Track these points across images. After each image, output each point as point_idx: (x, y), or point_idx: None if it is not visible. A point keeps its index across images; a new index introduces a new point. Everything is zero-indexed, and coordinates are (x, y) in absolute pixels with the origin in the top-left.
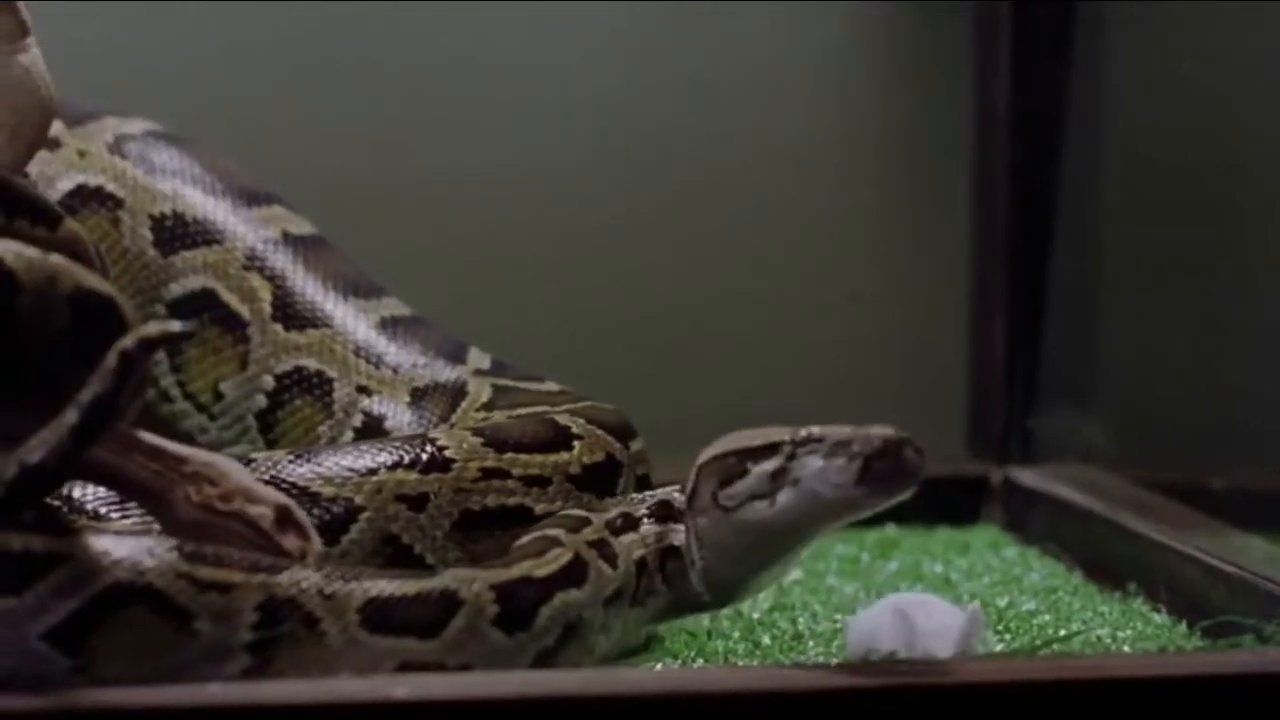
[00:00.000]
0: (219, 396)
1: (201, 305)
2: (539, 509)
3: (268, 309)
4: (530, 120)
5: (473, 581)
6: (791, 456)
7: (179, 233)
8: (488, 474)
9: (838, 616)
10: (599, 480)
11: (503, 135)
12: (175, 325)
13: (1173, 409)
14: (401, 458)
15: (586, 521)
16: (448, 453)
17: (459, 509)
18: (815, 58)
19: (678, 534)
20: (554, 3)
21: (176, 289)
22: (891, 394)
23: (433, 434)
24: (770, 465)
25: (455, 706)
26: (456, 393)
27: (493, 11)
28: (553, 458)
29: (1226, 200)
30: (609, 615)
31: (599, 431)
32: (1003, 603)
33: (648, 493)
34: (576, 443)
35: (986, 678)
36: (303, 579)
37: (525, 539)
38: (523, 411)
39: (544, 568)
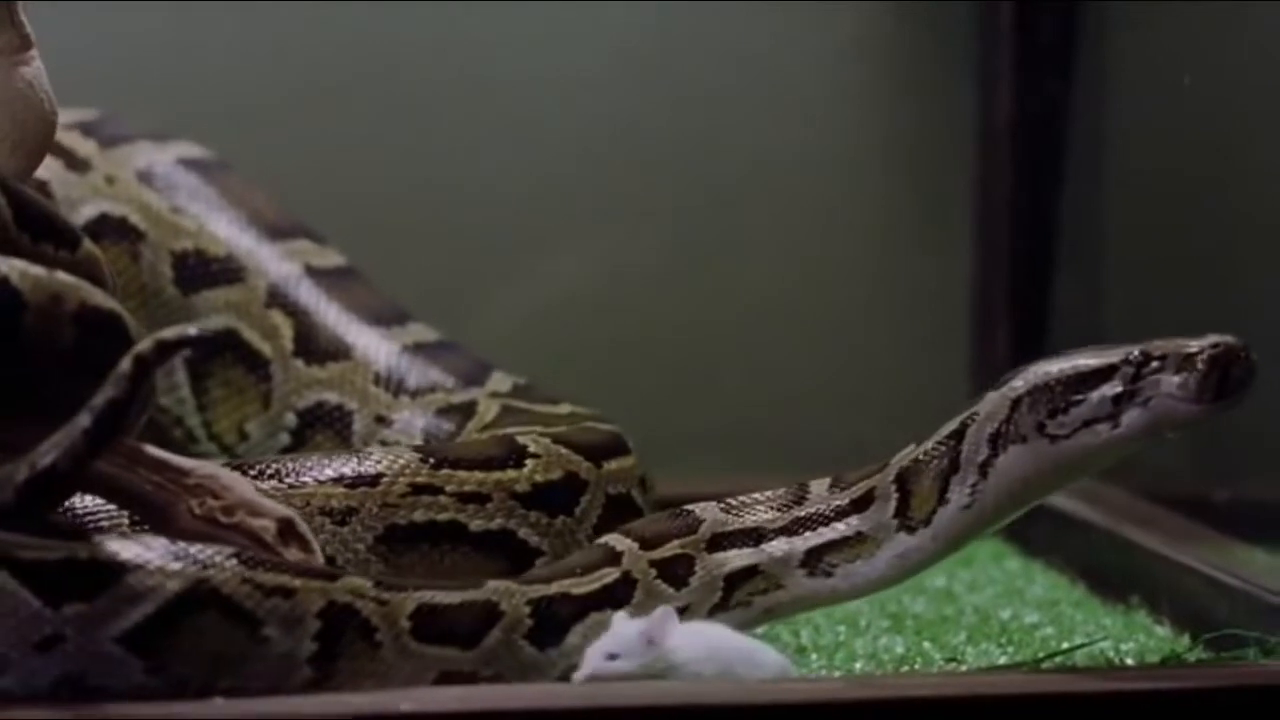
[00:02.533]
0: (244, 436)
1: (224, 346)
2: (474, 525)
3: (289, 345)
4: (531, 134)
5: (513, 594)
6: (1136, 377)
7: (200, 271)
8: (417, 489)
9: (840, 629)
10: (551, 499)
11: (505, 150)
12: (192, 330)
13: None
14: (331, 473)
15: (689, 531)
16: (378, 468)
17: (384, 524)
18: (818, 69)
19: (834, 530)
20: (557, 18)
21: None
22: (893, 404)
23: (368, 449)
24: (1111, 389)
25: None
26: (467, 414)
27: (495, 27)
28: (495, 475)
29: (1230, 210)
30: None
31: (563, 451)
32: (1005, 615)
33: (797, 492)
34: (530, 461)
35: (990, 690)
36: (355, 585)
37: (598, 542)
38: (511, 430)
39: (584, 586)
